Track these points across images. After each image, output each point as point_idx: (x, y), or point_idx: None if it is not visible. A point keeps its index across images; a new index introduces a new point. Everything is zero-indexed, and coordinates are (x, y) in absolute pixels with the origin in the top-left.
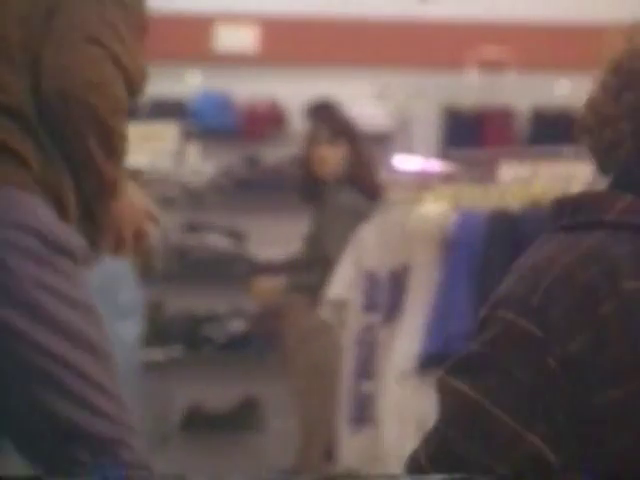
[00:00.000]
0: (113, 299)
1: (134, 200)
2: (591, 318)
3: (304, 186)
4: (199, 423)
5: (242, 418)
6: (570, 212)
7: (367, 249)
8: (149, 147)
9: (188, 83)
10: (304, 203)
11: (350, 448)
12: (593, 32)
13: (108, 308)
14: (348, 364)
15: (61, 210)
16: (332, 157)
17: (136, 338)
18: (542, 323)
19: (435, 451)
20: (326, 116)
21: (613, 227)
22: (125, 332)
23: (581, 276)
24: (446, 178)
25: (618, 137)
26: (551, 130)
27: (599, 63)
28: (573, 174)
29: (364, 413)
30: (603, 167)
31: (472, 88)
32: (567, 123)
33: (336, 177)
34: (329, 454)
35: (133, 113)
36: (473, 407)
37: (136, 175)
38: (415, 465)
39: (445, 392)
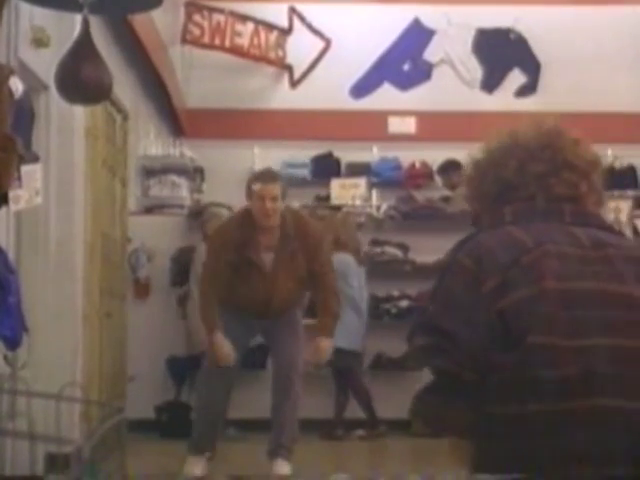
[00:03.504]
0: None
1: None
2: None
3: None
4: (382, 365)
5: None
6: None
7: None
8: (349, 193)
9: (372, 153)
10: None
11: None
12: None
13: None
14: None
15: None
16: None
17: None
18: None
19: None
20: (452, 170)
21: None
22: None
23: None
24: None
25: None
26: None
27: None
28: None
29: None
30: None
31: None
32: None
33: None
34: None
35: (339, 172)
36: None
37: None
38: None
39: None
